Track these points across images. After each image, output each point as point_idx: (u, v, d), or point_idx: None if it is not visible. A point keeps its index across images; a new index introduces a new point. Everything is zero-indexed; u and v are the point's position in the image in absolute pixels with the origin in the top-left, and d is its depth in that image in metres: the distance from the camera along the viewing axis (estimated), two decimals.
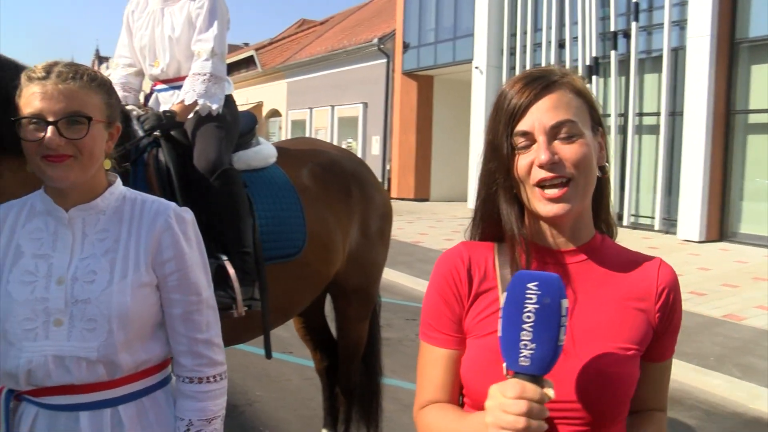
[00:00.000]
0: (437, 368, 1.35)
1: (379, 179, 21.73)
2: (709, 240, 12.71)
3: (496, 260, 1.36)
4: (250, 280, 2.84)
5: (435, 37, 20.49)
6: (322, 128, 25.60)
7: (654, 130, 14.22)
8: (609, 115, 14.94)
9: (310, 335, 3.99)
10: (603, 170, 1.36)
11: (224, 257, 2.74)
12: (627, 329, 1.30)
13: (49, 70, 1.52)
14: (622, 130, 14.74)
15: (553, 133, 1.25)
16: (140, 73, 3.28)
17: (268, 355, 3.20)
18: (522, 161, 1.27)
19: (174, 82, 3.10)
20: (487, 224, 1.39)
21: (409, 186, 21.49)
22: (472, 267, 1.36)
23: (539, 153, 1.25)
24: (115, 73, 3.22)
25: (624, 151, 14.62)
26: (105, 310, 1.53)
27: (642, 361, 1.32)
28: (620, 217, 14.69)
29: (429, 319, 1.39)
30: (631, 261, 1.38)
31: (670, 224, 13.68)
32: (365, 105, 23.27)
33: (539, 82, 1.28)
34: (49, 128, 1.48)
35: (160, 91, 3.16)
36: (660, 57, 13.81)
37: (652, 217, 14.13)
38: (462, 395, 1.38)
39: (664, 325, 1.34)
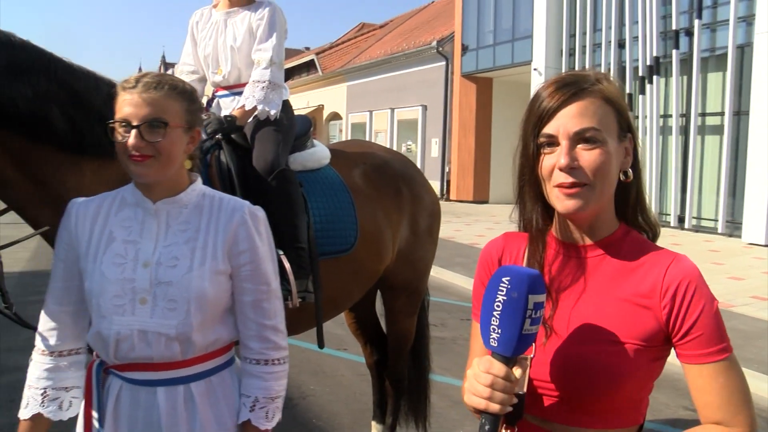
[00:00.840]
0: (478, 341, 1.48)
1: (438, 181, 21.83)
2: None
3: (526, 251, 1.50)
4: (305, 273, 2.99)
5: (494, 39, 20.46)
6: (382, 131, 25.81)
7: (717, 130, 13.92)
8: (671, 116, 14.68)
9: (361, 330, 4.14)
10: (626, 174, 1.42)
11: (280, 252, 2.89)
12: (621, 322, 1.36)
13: (138, 80, 1.73)
14: (684, 131, 14.47)
15: (576, 138, 1.33)
16: (203, 80, 3.47)
17: (321, 345, 3.36)
18: (546, 162, 1.36)
19: (234, 89, 3.28)
20: (524, 216, 1.52)
21: (468, 188, 21.49)
22: (504, 255, 1.53)
23: (560, 157, 1.33)
24: None
25: (686, 152, 14.35)
26: (185, 292, 1.72)
27: (683, 364, 1.36)
28: (681, 220, 14.42)
29: (474, 300, 1.55)
30: (648, 257, 1.41)
31: (734, 227, 13.37)
32: (424, 107, 23.38)
33: (570, 88, 1.36)
34: (133, 131, 1.68)
35: (221, 96, 3.34)
36: (724, 55, 13.51)
37: (716, 220, 13.82)
38: None
39: (678, 323, 1.34)
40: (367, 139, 25.85)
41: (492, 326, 1.27)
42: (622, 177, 1.41)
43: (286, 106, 3.27)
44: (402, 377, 3.93)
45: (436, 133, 22.79)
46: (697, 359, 1.33)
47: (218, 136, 3.00)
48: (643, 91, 15.28)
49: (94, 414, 1.75)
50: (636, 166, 1.43)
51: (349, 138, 27.29)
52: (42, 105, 2.34)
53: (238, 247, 1.81)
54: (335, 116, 29.30)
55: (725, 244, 12.61)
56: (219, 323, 1.82)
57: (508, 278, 1.26)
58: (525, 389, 1.28)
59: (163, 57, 78.63)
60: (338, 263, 3.22)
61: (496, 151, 21.22)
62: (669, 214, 14.77)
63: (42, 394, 1.80)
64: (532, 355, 1.36)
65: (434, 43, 22.25)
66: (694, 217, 14.35)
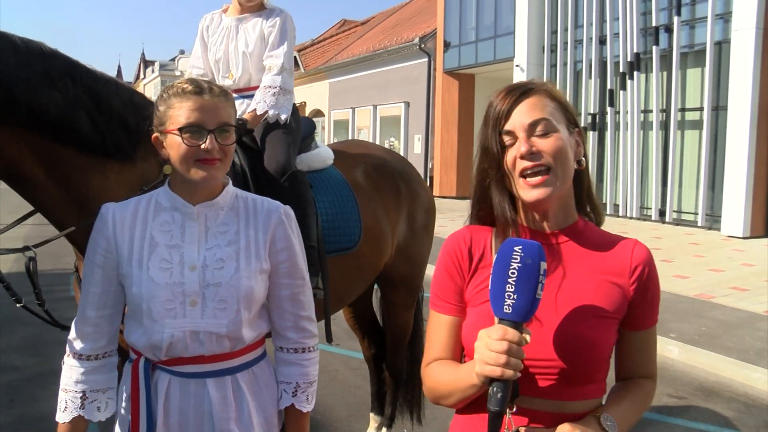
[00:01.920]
0: (442, 332, 1.61)
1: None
2: (753, 236, 12.64)
3: (492, 242, 1.62)
4: (315, 270, 3.09)
5: (476, 35, 20.58)
6: (365, 128, 25.82)
7: (697, 125, 14.15)
8: (651, 111, 14.89)
9: (359, 324, 4.26)
10: (580, 163, 1.58)
11: None
12: (602, 300, 1.51)
13: (200, 86, 1.80)
14: (664, 125, 14.69)
15: (531, 130, 1.49)
16: None
17: (329, 340, 3.46)
18: (509, 156, 1.52)
19: (244, 92, 3.37)
20: (484, 214, 1.66)
21: (451, 184, 21.62)
22: (473, 246, 1.63)
23: (520, 146, 1.49)
24: None
25: (666, 146, 14.57)
26: (234, 292, 1.81)
27: (625, 331, 1.56)
28: (662, 214, 14.64)
29: (436, 291, 1.64)
30: (609, 242, 1.60)
31: (713, 220, 13.62)
32: (407, 104, 23.44)
33: (518, 90, 1.53)
34: (209, 136, 1.75)
35: None
36: (703, 51, 13.75)
37: (696, 213, 14.06)
38: (463, 356, 1.64)
39: (639, 296, 1.54)
40: (350, 135, 25.90)
41: (507, 293, 1.35)
42: (575, 165, 1.57)
43: (293, 109, 3.37)
44: (401, 369, 4.05)
45: (419, 129, 22.87)
46: (645, 326, 1.58)
47: None
48: (624, 87, 15.49)
49: (142, 410, 1.81)
50: (586, 157, 1.61)
51: (332, 136, 27.32)
52: (70, 110, 2.43)
53: (277, 245, 1.90)
54: (317, 113, 29.27)
55: (705, 236, 12.86)
56: (259, 318, 1.92)
57: (520, 247, 1.37)
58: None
59: (143, 54, 77.96)
60: (343, 260, 3.33)
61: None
62: (650, 208, 14.99)
63: (81, 397, 1.86)
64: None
65: (416, 40, 22.29)
66: (674, 211, 14.58)
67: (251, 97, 3.31)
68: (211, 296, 1.80)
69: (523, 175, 1.49)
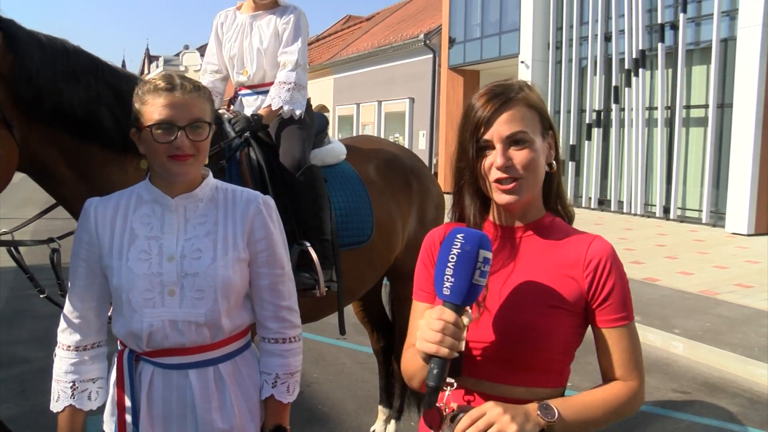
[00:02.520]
0: (418, 319, 1.66)
1: None
2: (758, 233, 12.65)
3: None
4: (330, 263, 3.15)
5: (481, 31, 20.55)
6: (369, 123, 25.85)
7: (702, 122, 14.16)
8: (656, 108, 14.90)
9: (368, 318, 4.31)
10: (551, 166, 1.65)
11: (307, 243, 3.06)
12: (555, 290, 1.57)
13: (172, 82, 1.82)
14: (669, 123, 14.70)
15: (508, 141, 1.57)
16: (225, 79, 3.61)
17: (342, 332, 3.52)
18: (486, 161, 1.60)
19: (258, 88, 3.42)
20: (461, 212, 1.75)
21: None
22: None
23: (497, 157, 1.57)
24: (204, 79, 3.55)
25: (671, 144, 14.58)
26: (212, 281, 1.84)
27: (594, 328, 1.61)
28: (667, 211, 14.65)
29: (415, 281, 1.77)
30: (571, 237, 1.64)
31: (718, 217, 13.63)
32: (412, 100, 23.45)
33: (499, 99, 1.58)
34: (180, 132, 1.78)
35: (244, 95, 3.48)
36: (708, 48, 13.75)
37: (700, 210, 14.08)
38: None
39: (596, 290, 1.57)
40: (354, 131, 25.91)
41: (446, 276, 1.45)
42: (547, 168, 1.64)
43: (307, 105, 3.41)
44: None
45: (424, 125, 22.89)
46: (608, 324, 1.58)
47: (246, 134, 3.12)
48: (629, 84, 15.50)
49: (128, 400, 1.86)
50: (557, 158, 1.66)
51: (336, 131, 27.34)
52: (94, 107, 2.49)
53: (255, 235, 1.93)
54: (322, 109, 29.29)
55: (709, 233, 12.87)
56: (241, 308, 1.95)
57: (462, 234, 1.47)
58: (463, 347, 1.46)
59: (147, 50, 77.95)
60: (356, 254, 3.38)
61: None
62: (654, 205, 15.01)
63: (71, 387, 1.91)
64: (477, 316, 1.56)
65: (421, 36, 22.29)
66: (679, 208, 14.60)
67: (266, 93, 3.35)
68: (188, 286, 1.83)
69: (497, 180, 1.58)
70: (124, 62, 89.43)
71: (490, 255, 1.46)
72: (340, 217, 3.33)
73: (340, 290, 3.23)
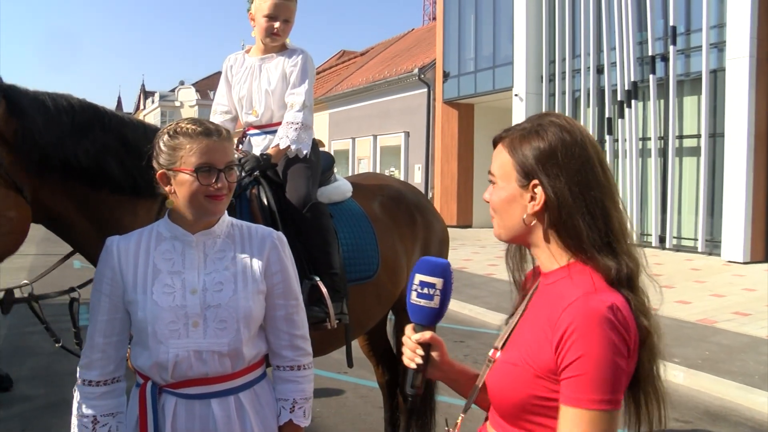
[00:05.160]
0: None
1: None
2: (754, 261, 12.73)
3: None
4: (340, 296, 3.22)
5: (475, 65, 20.81)
6: (365, 157, 25.97)
7: (695, 152, 14.31)
8: (649, 138, 15.05)
9: (373, 351, 4.34)
10: (525, 220, 1.57)
11: (317, 278, 3.14)
12: (532, 347, 1.48)
13: (207, 127, 1.96)
14: (663, 153, 14.85)
15: (491, 177, 1.65)
16: (234, 119, 3.70)
17: (350, 365, 3.58)
18: None
19: (266, 128, 3.52)
20: None
21: (452, 213, 21.70)
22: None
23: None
24: (214, 119, 3.62)
25: (665, 173, 14.71)
26: (233, 312, 1.96)
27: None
28: (662, 240, 14.72)
29: None
30: (566, 293, 1.47)
31: (713, 246, 13.71)
32: (407, 134, 23.61)
33: (496, 137, 1.65)
34: (221, 175, 1.93)
35: (253, 135, 3.57)
36: (699, 79, 13.95)
37: (695, 239, 14.16)
38: None
39: (561, 358, 1.39)
40: (350, 165, 26.01)
41: (409, 301, 1.62)
42: (524, 220, 1.56)
43: (313, 144, 3.51)
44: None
45: (419, 159, 23.01)
46: (562, 399, 1.39)
47: (256, 172, 3.22)
48: (622, 115, 15.69)
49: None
50: (564, 209, 1.49)
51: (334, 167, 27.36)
52: (102, 157, 2.60)
53: (272, 268, 2.06)
54: (318, 144, 29.28)
55: (706, 262, 12.95)
56: (258, 338, 2.06)
57: (424, 266, 1.62)
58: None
59: (143, 85, 78.53)
60: (363, 288, 3.46)
61: (478, 176, 21.46)
62: (650, 235, 15.10)
63: (92, 422, 1.98)
64: (493, 359, 1.62)
65: (416, 71, 22.52)
66: (674, 237, 14.68)
67: (273, 132, 3.45)
68: (212, 317, 1.94)
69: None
70: (119, 98, 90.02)
71: (431, 279, 1.58)
72: (347, 253, 3.41)
73: (348, 323, 3.29)
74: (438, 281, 1.58)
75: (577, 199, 1.48)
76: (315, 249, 3.21)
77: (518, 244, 1.69)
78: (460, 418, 1.71)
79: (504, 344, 1.61)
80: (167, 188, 1.98)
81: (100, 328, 1.99)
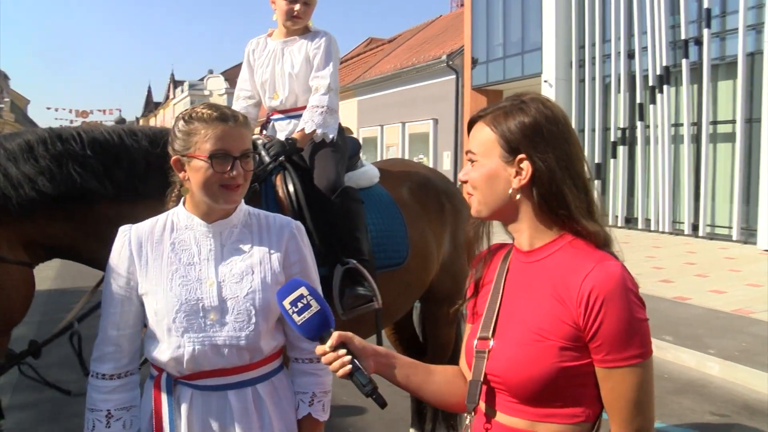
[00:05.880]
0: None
1: None
2: None
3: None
4: (369, 285, 3.14)
5: (503, 51, 20.59)
6: (393, 145, 25.92)
7: (729, 137, 14.00)
8: (682, 125, 14.77)
9: (400, 340, 4.29)
10: (511, 195, 1.58)
11: (354, 261, 3.09)
12: (545, 321, 1.49)
13: (223, 112, 1.87)
14: (696, 139, 14.56)
15: (468, 157, 1.63)
16: (258, 105, 3.65)
17: None
18: None
19: (290, 112, 3.46)
20: None
21: None
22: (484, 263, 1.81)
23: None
24: (237, 105, 3.59)
25: (698, 160, 14.43)
26: (251, 305, 1.88)
27: (596, 368, 1.47)
28: (696, 228, 14.46)
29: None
30: (576, 263, 1.50)
31: (749, 234, 13.41)
32: (435, 121, 23.50)
33: (473, 117, 1.66)
34: (237, 162, 1.84)
35: (277, 120, 3.51)
36: (734, 63, 13.61)
37: (730, 227, 13.88)
38: None
39: (589, 326, 1.44)
40: (378, 153, 25.97)
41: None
42: (509, 195, 1.58)
43: (339, 128, 3.45)
44: None
45: (448, 146, 22.90)
46: (603, 363, 1.45)
47: (281, 158, 3.15)
48: (653, 101, 15.40)
49: (167, 425, 1.87)
50: (554, 181, 1.52)
51: (361, 152, 27.36)
52: (90, 177, 2.55)
53: (290, 258, 1.99)
54: (346, 131, 29.27)
55: (741, 251, 12.66)
56: (276, 329, 1.99)
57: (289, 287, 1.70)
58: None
59: (172, 75, 79.10)
60: (393, 276, 3.38)
61: None
62: (683, 222, 14.84)
63: (106, 416, 1.92)
64: (490, 346, 1.58)
65: (444, 57, 22.38)
66: (708, 225, 14.40)
67: (298, 117, 3.39)
68: (229, 310, 1.87)
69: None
70: (150, 87, 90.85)
71: (293, 295, 1.65)
72: (376, 239, 3.34)
73: (378, 311, 3.22)
74: (300, 290, 1.66)
75: (564, 171, 1.53)
76: (344, 235, 3.14)
77: (496, 220, 1.68)
78: (468, 419, 1.66)
79: (494, 331, 1.59)
80: (181, 175, 1.91)
81: (113, 320, 1.94)
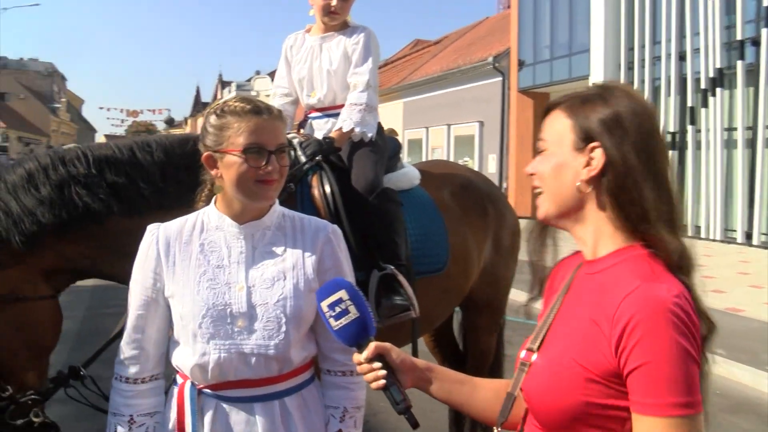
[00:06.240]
0: None
1: None
2: None
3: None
4: (404, 292, 3.03)
5: (550, 53, 20.32)
6: (438, 147, 25.80)
7: None
8: (736, 129, 14.34)
9: (439, 348, 4.18)
10: (580, 188, 1.40)
11: (391, 267, 2.98)
12: (581, 346, 1.30)
13: (257, 105, 1.79)
14: (751, 144, 14.10)
15: (538, 147, 1.49)
16: (295, 102, 3.57)
17: None
18: None
19: (328, 110, 3.36)
20: None
21: (527, 204, 21.28)
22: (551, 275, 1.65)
23: None
24: (274, 102, 3.51)
25: (753, 165, 13.98)
26: (282, 312, 1.79)
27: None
28: (749, 236, 14.02)
29: None
30: (621, 281, 1.28)
31: None
32: (481, 123, 23.30)
33: (549, 105, 1.50)
34: (272, 157, 1.76)
35: (314, 118, 3.42)
36: None
37: None
38: None
39: (622, 358, 1.22)
40: (423, 155, 25.89)
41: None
42: (578, 188, 1.40)
43: (379, 127, 3.35)
44: None
45: (494, 149, 22.69)
46: (636, 407, 1.21)
47: (318, 157, 3.06)
48: (705, 104, 14.99)
49: None
50: (630, 175, 1.33)
51: (405, 155, 27.36)
52: (95, 197, 2.52)
53: (325, 264, 1.88)
54: (391, 133, 29.14)
55: None
56: (307, 339, 1.89)
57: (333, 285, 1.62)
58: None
59: (220, 75, 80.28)
60: (432, 282, 3.27)
61: None
62: (735, 230, 14.40)
63: (129, 422, 1.85)
64: (532, 359, 1.44)
65: (490, 59, 22.19)
66: (762, 233, 13.92)
67: (336, 115, 3.30)
68: (258, 317, 1.78)
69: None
70: (198, 88, 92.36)
71: (333, 298, 1.56)
72: (415, 244, 3.23)
73: (415, 319, 3.10)
74: (341, 293, 1.57)
75: (644, 165, 1.32)
76: (381, 238, 3.04)
77: (553, 226, 1.52)
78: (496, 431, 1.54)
79: (540, 344, 1.43)
80: (213, 172, 1.83)
81: (138, 323, 1.87)
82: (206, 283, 1.80)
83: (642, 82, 16.91)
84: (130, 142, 2.72)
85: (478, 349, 3.87)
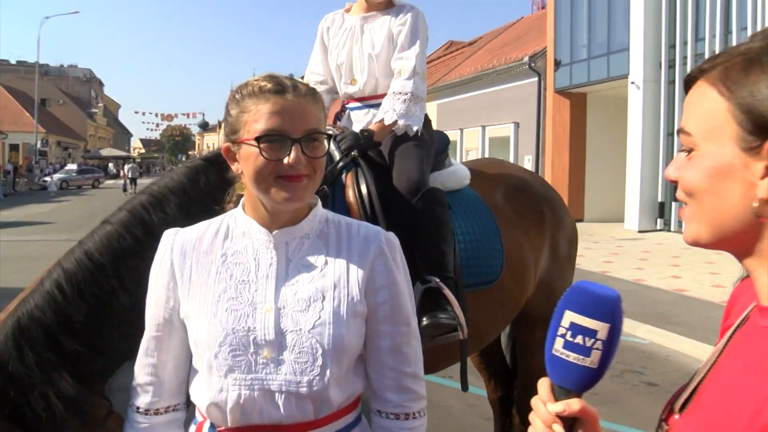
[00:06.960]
0: None
1: None
2: None
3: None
4: (448, 308, 2.68)
5: (588, 53, 19.91)
6: (473, 149, 25.57)
7: None
8: None
9: (486, 364, 3.87)
10: (757, 212, 0.89)
11: (437, 279, 2.63)
12: (724, 423, 0.90)
13: (281, 83, 1.45)
14: None
15: (681, 139, 1.01)
16: (331, 91, 3.20)
17: (465, 388, 3.04)
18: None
19: (369, 100, 3.02)
20: None
21: None
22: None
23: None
24: None
25: None
26: (317, 342, 1.43)
27: None
28: None
29: None
30: None
31: None
32: (516, 124, 22.99)
33: (693, 72, 1.02)
34: (294, 146, 1.40)
35: (353, 109, 3.09)
36: None
37: None
38: None
39: None
40: (458, 156, 25.69)
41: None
42: (754, 209, 0.89)
43: (426, 119, 3.02)
44: None
45: (529, 150, 22.35)
46: None
47: (354, 153, 2.74)
48: None
49: None
50: None
51: None
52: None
53: (376, 282, 1.52)
54: None
55: None
56: (353, 374, 1.54)
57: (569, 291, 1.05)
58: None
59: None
60: (484, 295, 2.93)
61: (590, 168, 20.49)
62: None
63: None
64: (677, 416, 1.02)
65: (526, 59, 21.83)
66: None
67: (377, 106, 2.95)
68: (288, 345, 1.43)
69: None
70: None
71: (590, 323, 0.98)
72: (465, 252, 2.87)
73: (465, 340, 2.75)
74: (602, 327, 0.99)
75: None
76: (426, 246, 2.67)
77: (726, 251, 0.98)
78: None
79: (685, 404, 1.02)
80: (234, 167, 1.49)
81: (151, 345, 1.56)
82: (226, 303, 1.46)
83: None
84: (139, 215, 2.28)
85: (530, 367, 3.46)
